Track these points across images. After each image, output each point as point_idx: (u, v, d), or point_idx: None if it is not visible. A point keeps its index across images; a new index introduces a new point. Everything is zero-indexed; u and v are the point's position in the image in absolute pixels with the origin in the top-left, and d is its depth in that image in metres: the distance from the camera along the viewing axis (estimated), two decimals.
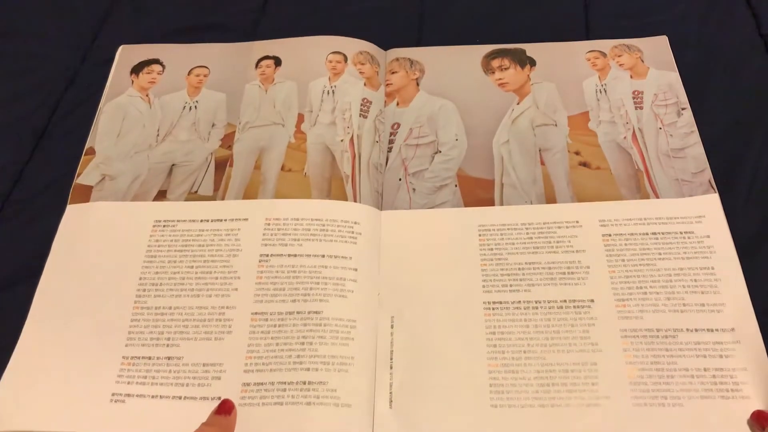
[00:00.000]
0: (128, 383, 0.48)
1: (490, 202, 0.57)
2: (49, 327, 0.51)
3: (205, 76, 0.67)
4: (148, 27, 0.74)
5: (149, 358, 0.49)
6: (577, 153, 0.60)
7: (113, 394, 0.48)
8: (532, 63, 0.66)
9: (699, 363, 0.48)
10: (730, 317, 0.49)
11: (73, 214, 0.58)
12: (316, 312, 0.51)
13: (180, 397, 0.48)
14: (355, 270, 0.53)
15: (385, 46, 0.69)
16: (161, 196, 0.59)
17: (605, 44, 0.67)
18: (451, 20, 0.73)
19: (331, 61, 0.67)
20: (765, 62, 0.66)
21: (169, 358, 0.49)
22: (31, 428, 0.46)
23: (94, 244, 0.55)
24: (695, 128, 0.60)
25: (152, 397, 0.48)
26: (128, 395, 0.48)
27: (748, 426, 0.45)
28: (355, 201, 0.57)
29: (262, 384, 0.48)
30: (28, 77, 0.70)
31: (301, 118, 0.63)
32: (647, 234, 0.54)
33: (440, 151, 0.61)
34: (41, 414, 0.47)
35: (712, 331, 0.49)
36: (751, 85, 0.65)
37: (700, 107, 0.62)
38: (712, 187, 0.56)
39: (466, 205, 0.57)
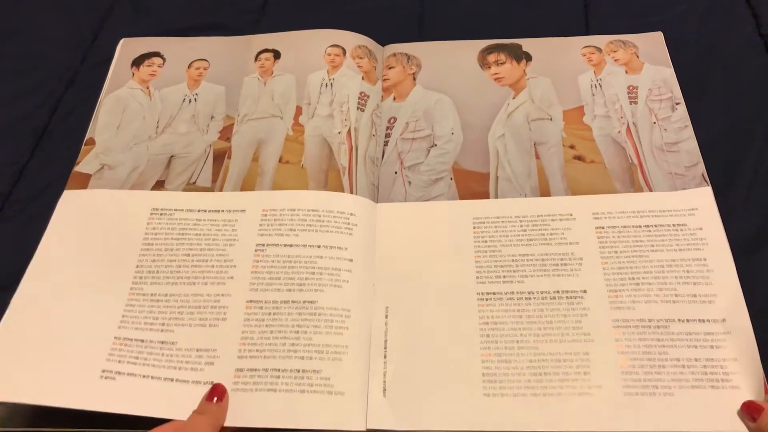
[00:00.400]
0: (119, 362, 0.48)
1: (485, 195, 0.58)
2: (39, 304, 0.51)
3: (204, 69, 0.68)
4: (148, 27, 0.74)
5: (142, 341, 0.50)
6: (571, 147, 0.60)
7: (103, 371, 0.48)
8: (528, 58, 0.67)
9: (690, 353, 0.48)
10: (721, 308, 0.49)
11: (69, 199, 0.58)
12: (311, 301, 0.51)
13: (172, 380, 0.48)
14: (351, 260, 0.54)
15: (385, 45, 0.70)
16: (159, 186, 0.59)
17: (601, 40, 0.68)
18: (451, 20, 0.74)
19: (329, 54, 0.67)
20: (765, 62, 0.67)
21: (162, 343, 0.50)
22: (18, 399, 0.46)
23: (91, 230, 0.56)
24: (689, 123, 0.61)
25: (143, 377, 0.48)
26: (119, 373, 0.48)
27: (738, 417, 0.45)
28: (351, 193, 0.58)
29: (255, 370, 0.48)
30: (28, 77, 0.70)
31: (299, 111, 0.64)
32: (640, 226, 0.54)
33: (436, 145, 0.62)
34: (28, 386, 0.47)
35: (703, 321, 0.49)
36: (751, 85, 0.65)
37: (700, 107, 0.62)
38: (705, 181, 0.56)
39: (461, 197, 0.58)
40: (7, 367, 0.48)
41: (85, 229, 0.56)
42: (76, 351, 0.49)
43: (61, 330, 0.50)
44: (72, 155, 0.62)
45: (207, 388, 0.47)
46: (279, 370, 0.48)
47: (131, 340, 0.50)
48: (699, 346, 0.48)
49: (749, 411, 0.45)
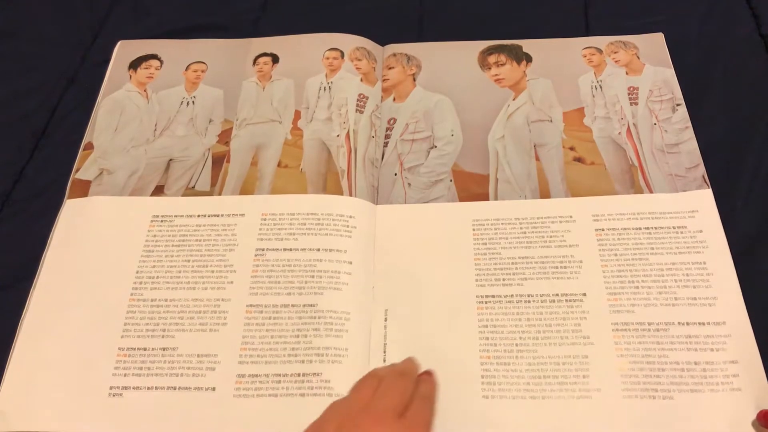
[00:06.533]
0: (125, 375, 0.49)
1: (485, 197, 0.58)
2: (48, 323, 0.52)
3: (202, 71, 0.67)
4: (148, 27, 0.74)
5: (144, 349, 0.50)
6: (571, 149, 0.60)
7: (111, 388, 0.48)
8: (529, 59, 0.66)
9: (690, 356, 0.48)
10: (721, 311, 0.49)
11: (71, 208, 0.58)
12: (310, 304, 0.51)
13: (174, 388, 0.48)
14: (350, 263, 0.54)
15: (385, 45, 0.69)
16: (159, 191, 0.59)
17: (601, 41, 0.67)
18: (451, 21, 0.73)
19: (327, 58, 0.67)
20: (765, 62, 0.66)
21: (164, 349, 0.50)
22: (36, 429, 0.47)
23: (92, 239, 0.56)
24: (689, 124, 0.60)
25: (148, 389, 0.48)
26: (125, 388, 0.48)
27: (753, 427, 0.45)
28: (350, 195, 0.58)
29: (257, 376, 0.48)
30: (28, 77, 0.70)
31: (297, 115, 0.64)
32: (640, 229, 0.54)
33: (436, 146, 0.61)
34: (45, 414, 0.47)
35: (703, 324, 0.49)
36: (751, 85, 0.65)
37: (700, 107, 0.62)
38: (706, 183, 0.56)
39: (461, 199, 0.58)
40: (22, 396, 0.48)
41: (87, 240, 0.56)
42: (84, 369, 0.49)
43: (69, 348, 0.50)
44: (72, 156, 0.62)
45: (208, 394, 0.47)
46: (280, 374, 0.48)
47: (134, 349, 0.50)
48: (699, 349, 0.48)
49: (761, 418, 0.45)
